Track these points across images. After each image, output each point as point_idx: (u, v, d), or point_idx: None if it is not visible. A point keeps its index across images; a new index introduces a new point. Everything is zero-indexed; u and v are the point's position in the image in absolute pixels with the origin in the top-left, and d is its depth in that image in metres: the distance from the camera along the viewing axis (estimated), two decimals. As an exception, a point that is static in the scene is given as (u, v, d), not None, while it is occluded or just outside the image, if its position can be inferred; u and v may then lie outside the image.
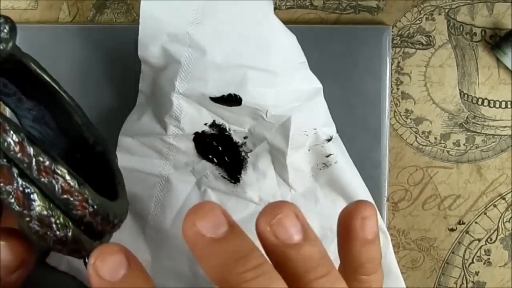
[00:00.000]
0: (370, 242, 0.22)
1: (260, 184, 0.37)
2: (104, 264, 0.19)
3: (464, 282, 0.41)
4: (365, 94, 0.38)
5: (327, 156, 0.37)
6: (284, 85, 0.35)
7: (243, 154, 0.37)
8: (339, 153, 0.37)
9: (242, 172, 0.37)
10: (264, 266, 0.19)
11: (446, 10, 0.40)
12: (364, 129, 0.38)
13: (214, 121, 0.36)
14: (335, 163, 0.37)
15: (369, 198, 0.37)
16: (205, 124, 0.36)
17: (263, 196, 0.37)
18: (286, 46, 0.35)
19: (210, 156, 0.37)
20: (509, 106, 0.40)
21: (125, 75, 0.38)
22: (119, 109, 0.38)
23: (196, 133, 0.36)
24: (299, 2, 0.40)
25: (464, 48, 0.40)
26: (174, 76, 0.34)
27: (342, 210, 0.23)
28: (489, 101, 0.40)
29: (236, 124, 0.36)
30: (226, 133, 0.37)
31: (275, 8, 0.40)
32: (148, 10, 0.34)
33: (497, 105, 0.40)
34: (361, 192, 0.37)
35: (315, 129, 0.36)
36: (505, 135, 0.40)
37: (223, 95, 0.34)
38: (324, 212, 0.37)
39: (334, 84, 0.38)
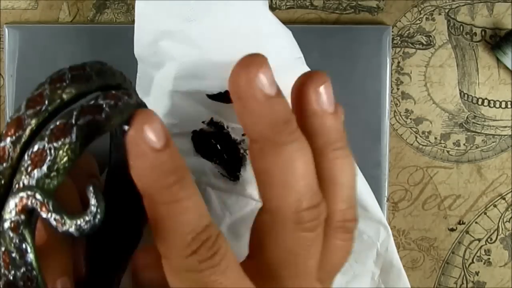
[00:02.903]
0: (331, 114, 0.21)
1: None
2: (149, 130, 0.18)
3: (464, 282, 0.41)
4: (365, 94, 0.38)
5: None
6: (281, 81, 0.35)
7: (241, 151, 0.37)
8: None
9: (241, 170, 0.37)
10: (299, 132, 0.20)
11: (446, 10, 0.40)
12: (364, 129, 0.38)
13: (212, 118, 0.36)
14: None
15: (369, 192, 0.37)
16: (203, 122, 0.36)
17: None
18: (282, 42, 0.35)
19: (209, 155, 0.37)
20: (509, 106, 0.40)
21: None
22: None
23: (194, 132, 0.36)
24: (299, 2, 0.40)
25: (464, 48, 0.40)
26: (170, 74, 0.34)
27: (294, 83, 0.22)
28: (489, 101, 0.40)
29: (234, 121, 0.36)
30: (224, 131, 0.37)
31: (275, 8, 0.40)
32: (143, 9, 0.34)
33: (497, 105, 0.40)
34: (361, 185, 0.37)
35: None
36: (505, 135, 0.40)
37: (220, 92, 0.34)
38: None
39: (334, 84, 0.38)
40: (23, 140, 0.19)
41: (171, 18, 0.34)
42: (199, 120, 0.36)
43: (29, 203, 0.18)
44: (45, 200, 0.18)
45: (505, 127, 0.40)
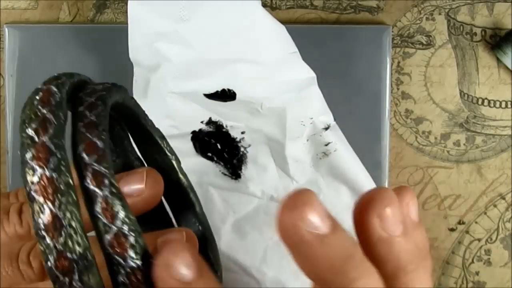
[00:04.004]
0: (399, 236, 0.18)
1: (262, 177, 0.37)
2: (177, 261, 0.17)
3: (464, 282, 0.41)
4: (365, 94, 0.38)
5: (326, 145, 0.37)
6: (277, 77, 0.35)
7: (242, 149, 0.37)
8: (337, 140, 0.37)
9: (243, 167, 0.37)
10: (365, 264, 0.18)
11: (446, 10, 0.40)
12: (364, 129, 0.38)
13: (210, 118, 0.36)
14: (335, 151, 0.37)
15: (371, 183, 0.37)
16: (202, 122, 0.36)
17: (265, 190, 0.37)
18: (275, 37, 0.35)
19: (209, 154, 0.37)
20: (509, 106, 0.40)
21: (125, 75, 0.38)
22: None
23: (194, 132, 0.36)
24: (299, 2, 0.40)
25: (464, 48, 0.40)
26: (166, 76, 0.34)
27: (354, 207, 0.19)
28: (489, 101, 0.40)
29: (233, 120, 0.36)
30: (223, 130, 0.37)
31: (275, 8, 0.40)
32: (136, 11, 0.34)
33: (497, 105, 0.40)
34: (363, 178, 0.37)
35: (312, 118, 0.36)
36: (505, 135, 0.40)
37: (217, 91, 0.34)
38: (328, 201, 0.37)
39: (334, 84, 0.38)
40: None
41: (163, 20, 0.34)
42: (197, 120, 0.36)
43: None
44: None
45: (505, 127, 0.40)
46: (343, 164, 0.37)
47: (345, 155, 0.37)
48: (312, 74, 0.36)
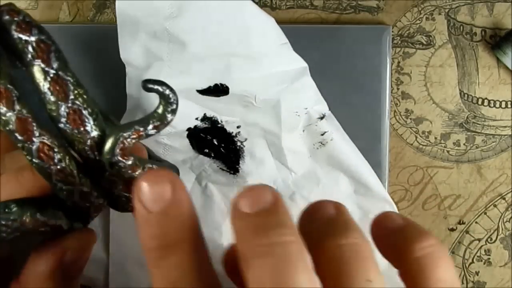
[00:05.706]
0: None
1: (260, 171, 0.37)
2: (149, 190, 0.20)
3: (464, 282, 0.41)
4: (365, 94, 0.38)
5: (322, 135, 0.37)
6: (269, 68, 0.35)
7: (238, 143, 0.37)
8: (333, 129, 0.37)
9: (240, 162, 0.37)
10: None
11: (446, 10, 0.40)
12: (364, 129, 0.38)
13: (204, 114, 0.36)
14: (331, 140, 0.37)
15: (370, 171, 0.37)
16: (196, 118, 0.36)
17: (264, 183, 0.37)
18: (265, 30, 0.35)
19: (206, 150, 0.37)
20: (509, 106, 0.40)
21: (125, 75, 0.38)
22: (120, 110, 0.38)
23: (189, 129, 0.36)
24: (299, 2, 0.40)
25: (464, 48, 0.40)
26: (158, 74, 0.34)
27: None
28: (489, 101, 0.40)
29: (227, 114, 0.36)
30: (219, 125, 0.37)
31: (275, 8, 0.40)
32: (124, 11, 0.34)
33: (497, 105, 0.40)
34: (361, 165, 0.37)
35: (306, 108, 0.36)
36: (505, 135, 0.40)
37: (210, 86, 0.34)
38: (327, 191, 0.37)
39: (334, 84, 0.38)
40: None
41: (152, 18, 0.34)
42: (192, 117, 0.36)
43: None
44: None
45: (505, 127, 0.40)
46: (340, 152, 0.37)
47: (341, 143, 0.37)
48: (304, 64, 0.36)
